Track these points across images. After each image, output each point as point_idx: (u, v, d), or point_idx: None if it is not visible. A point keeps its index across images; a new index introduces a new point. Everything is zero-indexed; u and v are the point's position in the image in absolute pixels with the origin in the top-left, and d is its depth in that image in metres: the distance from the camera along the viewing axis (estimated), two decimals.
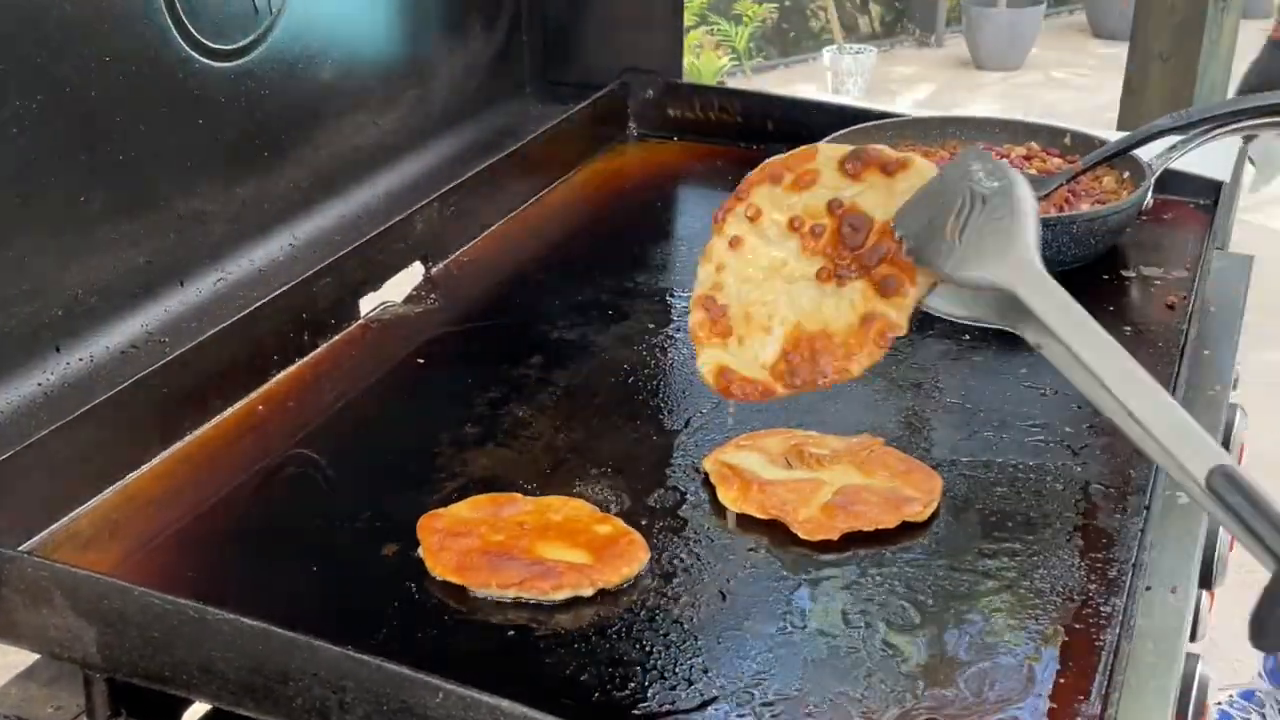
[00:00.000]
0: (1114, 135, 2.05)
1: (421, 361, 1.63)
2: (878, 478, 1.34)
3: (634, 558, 1.24)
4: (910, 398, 1.53)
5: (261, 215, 1.69)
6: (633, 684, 1.11)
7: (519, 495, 1.34)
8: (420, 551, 1.26)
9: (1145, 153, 1.95)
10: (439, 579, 1.23)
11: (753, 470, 1.34)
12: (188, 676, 1.12)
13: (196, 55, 1.54)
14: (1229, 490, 0.91)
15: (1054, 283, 1.02)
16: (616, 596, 1.21)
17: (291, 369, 1.57)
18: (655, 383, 1.57)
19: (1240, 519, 0.91)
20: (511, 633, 1.17)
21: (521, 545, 1.24)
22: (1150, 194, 1.92)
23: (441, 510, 1.31)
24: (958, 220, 1.06)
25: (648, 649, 1.15)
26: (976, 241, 1.05)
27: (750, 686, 1.11)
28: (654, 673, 1.12)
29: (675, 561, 1.25)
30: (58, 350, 1.41)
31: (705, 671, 1.12)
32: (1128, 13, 4.72)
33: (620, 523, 1.29)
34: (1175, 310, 1.72)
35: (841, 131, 2.08)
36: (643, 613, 1.19)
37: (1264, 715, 2.76)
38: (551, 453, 1.43)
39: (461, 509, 1.31)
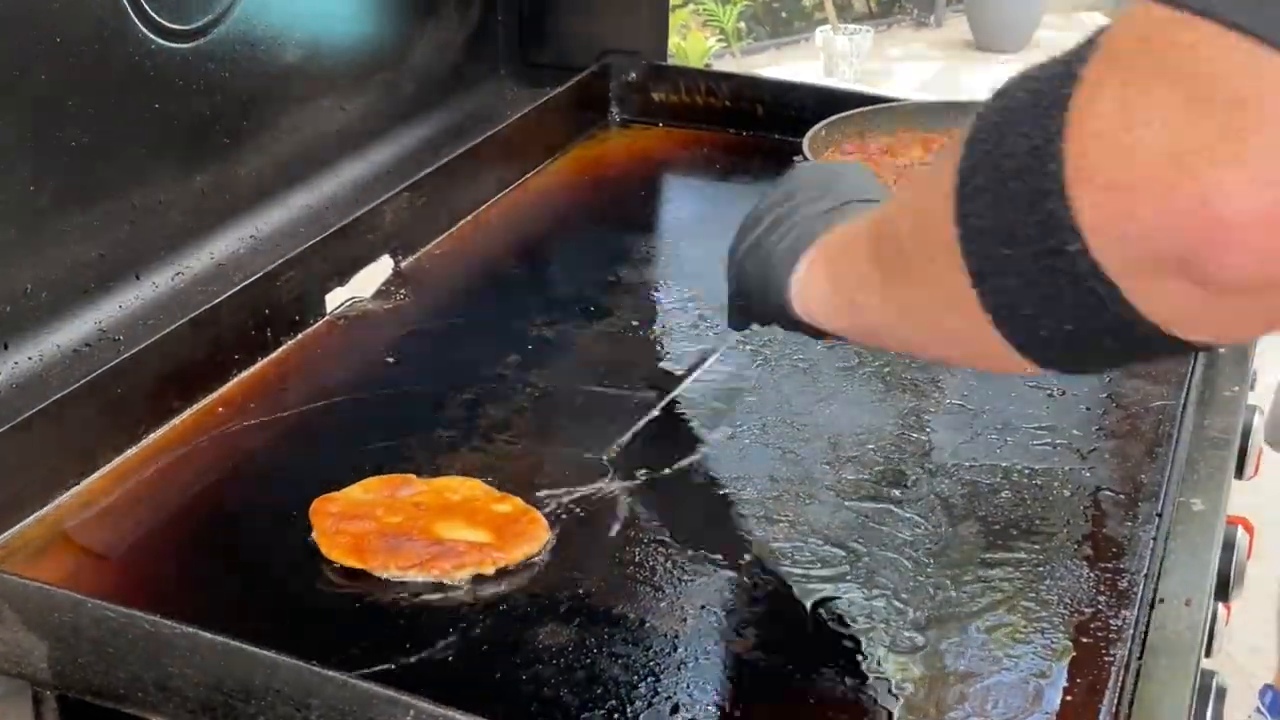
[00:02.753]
0: None
1: (391, 361, 1.63)
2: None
3: (535, 536, 1.28)
4: (909, 398, 1.54)
5: (221, 206, 1.69)
6: (611, 702, 1.11)
7: (414, 477, 1.36)
8: (314, 536, 1.28)
9: None
10: (338, 564, 1.25)
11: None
12: (144, 694, 1.12)
13: (152, 35, 1.54)
14: None
15: None
16: (594, 614, 1.21)
17: (254, 369, 1.57)
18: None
19: None
20: (486, 647, 1.17)
21: (420, 526, 1.28)
22: None
23: (335, 494, 1.33)
24: None
25: (629, 669, 1.15)
26: None
27: (733, 711, 1.11)
28: (634, 692, 1.12)
29: (658, 571, 1.26)
30: (5, 349, 1.41)
31: (688, 690, 1.13)
32: None
33: (519, 501, 1.32)
34: None
35: (836, 116, 2.09)
36: (620, 632, 1.20)
37: None
38: (530, 457, 1.43)
39: (355, 491, 1.34)
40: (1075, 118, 0.71)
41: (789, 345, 1.64)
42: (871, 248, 1.02)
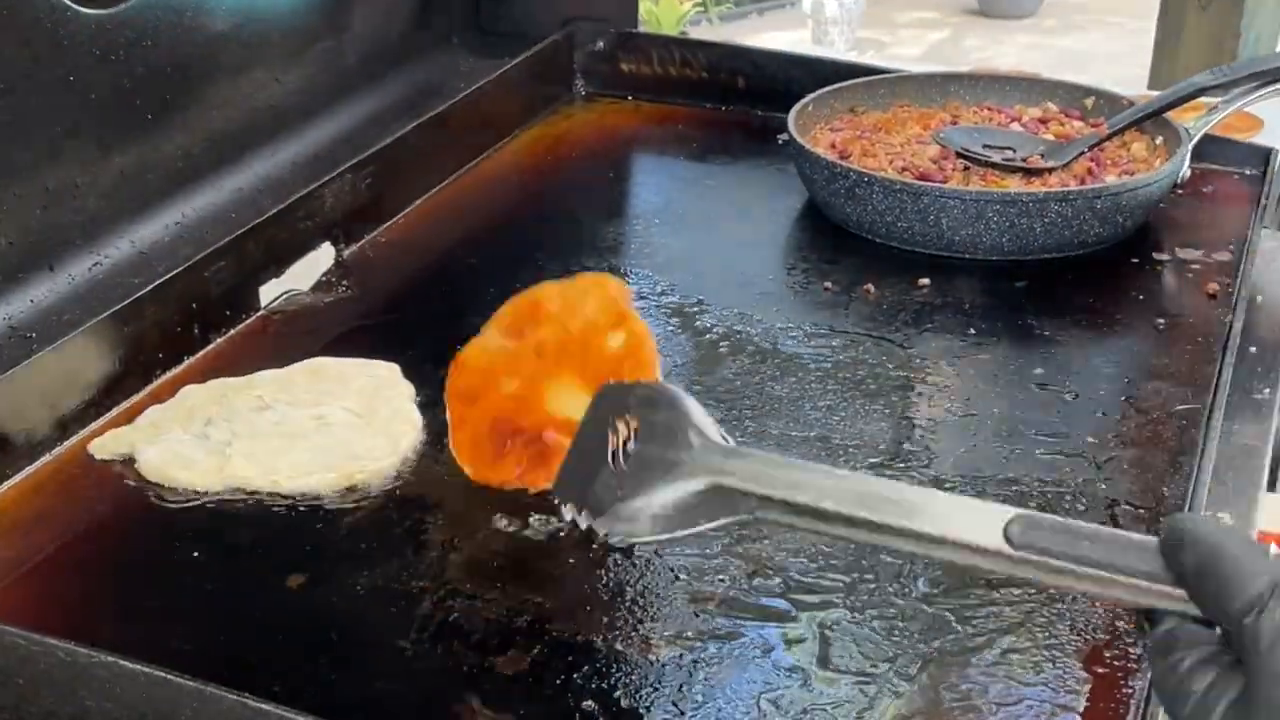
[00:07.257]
0: (1145, 95, 2.07)
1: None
2: None
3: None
4: (906, 402, 1.54)
5: (144, 188, 1.69)
6: None
7: (550, 288, 1.38)
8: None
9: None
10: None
11: None
12: None
13: (67, 0, 1.54)
14: (1035, 535, 0.90)
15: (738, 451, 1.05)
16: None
17: (180, 368, 1.57)
18: None
19: (1064, 555, 0.88)
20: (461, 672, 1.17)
21: (529, 403, 1.28)
22: (1188, 163, 1.94)
23: (470, 352, 1.34)
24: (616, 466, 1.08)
25: (596, 698, 1.16)
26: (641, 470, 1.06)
27: None
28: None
29: (628, 594, 1.26)
30: None
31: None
32: None
33: (636, 327, 1.32)
34: (1217, 299, 1.74)
35: (825, 90, 2.09)
36: (586, 660, 1.20)
37: None
38: None
39: (491, 336, 1.34)
40: None
41: (775, 344, 1.64)
42: None
